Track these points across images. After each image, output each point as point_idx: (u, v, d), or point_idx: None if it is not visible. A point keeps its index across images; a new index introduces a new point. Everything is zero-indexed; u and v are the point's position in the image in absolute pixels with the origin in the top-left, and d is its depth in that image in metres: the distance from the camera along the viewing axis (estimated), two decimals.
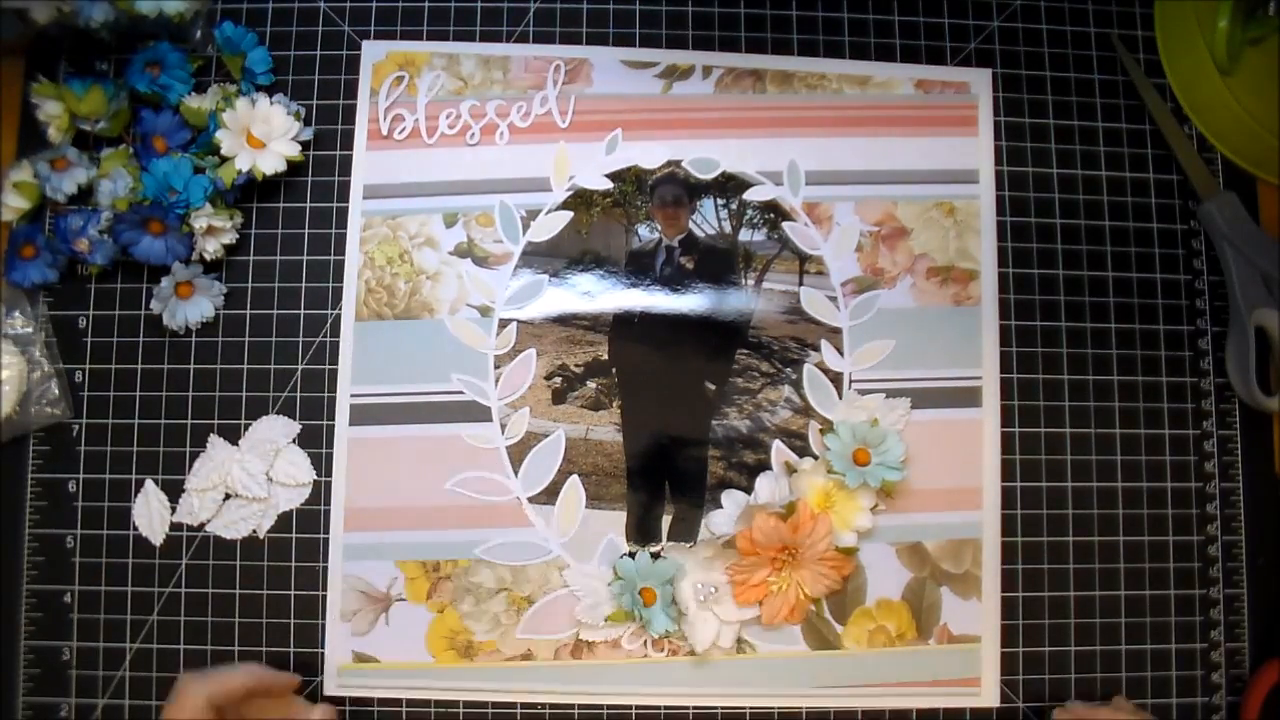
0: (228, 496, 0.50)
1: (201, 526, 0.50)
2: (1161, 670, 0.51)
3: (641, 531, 0.50)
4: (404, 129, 0.52)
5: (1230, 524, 0.52)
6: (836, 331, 0.51)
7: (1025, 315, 0.52)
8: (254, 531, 0.50)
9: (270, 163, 0.49)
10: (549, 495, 0.50)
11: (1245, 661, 0.51)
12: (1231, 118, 0.52)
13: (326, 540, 0.50)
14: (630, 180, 0.52)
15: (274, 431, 0.50)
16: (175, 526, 0.50)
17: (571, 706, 0.49)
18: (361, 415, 0.50)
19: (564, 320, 0.51)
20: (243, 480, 0.49)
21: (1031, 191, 0.53)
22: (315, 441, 0.50)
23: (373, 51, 0.52)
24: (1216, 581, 0.51)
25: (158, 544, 0.50)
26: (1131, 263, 0.53)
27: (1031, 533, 0.51)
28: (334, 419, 0.50)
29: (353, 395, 0.50)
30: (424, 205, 0.51)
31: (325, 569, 0.49)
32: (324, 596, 0.49)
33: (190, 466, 0.50)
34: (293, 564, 0.50)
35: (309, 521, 0.50)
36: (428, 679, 0.49)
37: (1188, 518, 0.52)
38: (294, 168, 0.50)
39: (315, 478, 0.50)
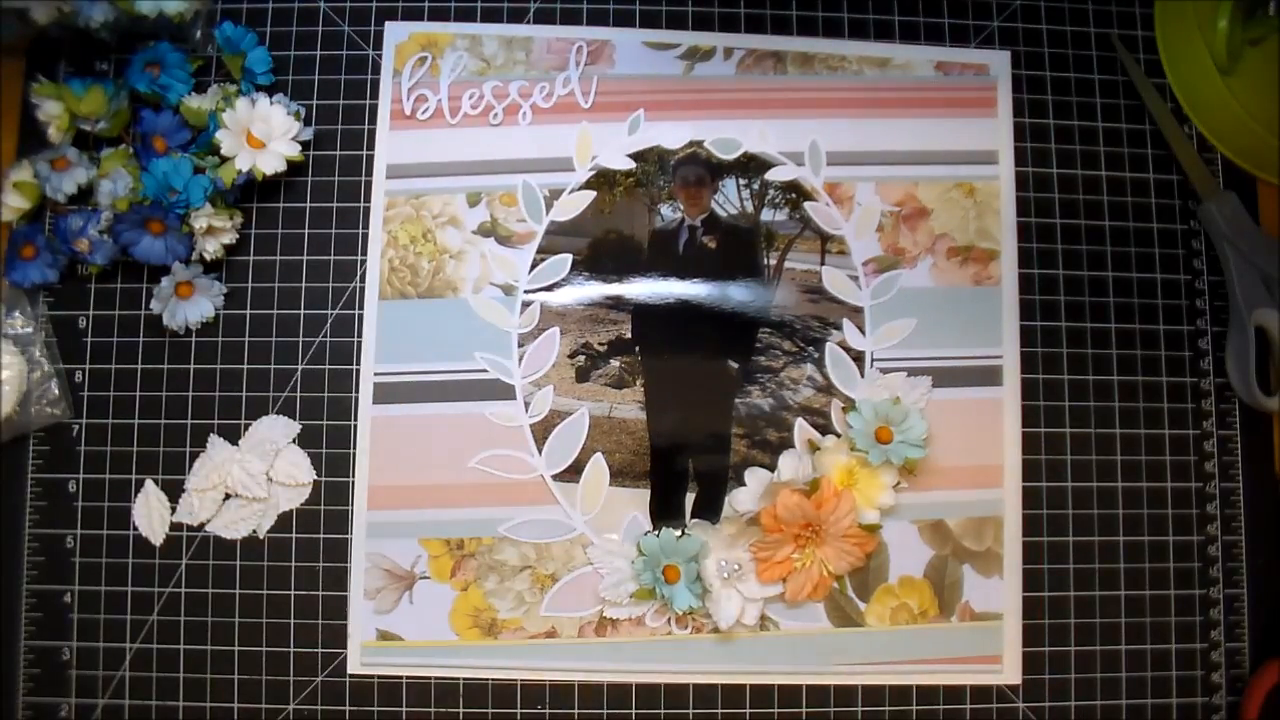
0: (228, 496, 0.50)
1: (201, 526, 0.50)
2: (1161, 670, 0.51)
3: (665, 509, 0.50)
4: (427, 109, 0.52)
5: (1230, 524, 0.52)
6: (858, 310, 0.52)
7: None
8: (254, 531, 0.50)
9: (270, 163, 0.49)
10: (573, 473, 0.50)
11: (1245, 661, 0.51)
12: (1231, 118, 0.52)
13: (324, 538, 0.50)
14: (653, 160, 0.52)
15: (274, 432, 0.50)
16: (175, 526, 0.50)
17: (600, 685, 0.49)
18: (385, 394, 0.50)
19: (587, 299, 0.51)
20: (243, 480, 0.49)
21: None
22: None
23: (396, 32, 0.53)
24: (1216, 581, 0.51)
25: (158, 544, 0.50)
26: (1131, 263, 0.53)
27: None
28: (357, 395, 0.50)
29: (376, 374, 0.50)
30: (447, 185, 0.52)
31: (349, 544, 0.50)
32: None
33: (190, 466, 0.50)
34: (292, 564, 0.50)
35: (309, 521, 0.50)
36: (451, 657, 0.49)
37: (1188, 518, 0.52)
38: (294, 167, 0.50)
39: (315, 478, 0.50)
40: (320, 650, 0.49)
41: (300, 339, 0.51)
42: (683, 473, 0.50)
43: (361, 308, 0.51)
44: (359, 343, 0.51)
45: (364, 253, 0.51)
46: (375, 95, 0.52)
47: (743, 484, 0.50)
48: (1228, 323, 0.52)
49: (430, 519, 0.50)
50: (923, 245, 0.52)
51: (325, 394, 0.51)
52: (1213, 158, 0.54)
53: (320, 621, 0.49)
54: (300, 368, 0.51)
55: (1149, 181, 0.54)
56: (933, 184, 0.53)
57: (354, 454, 0.50)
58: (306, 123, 0.52)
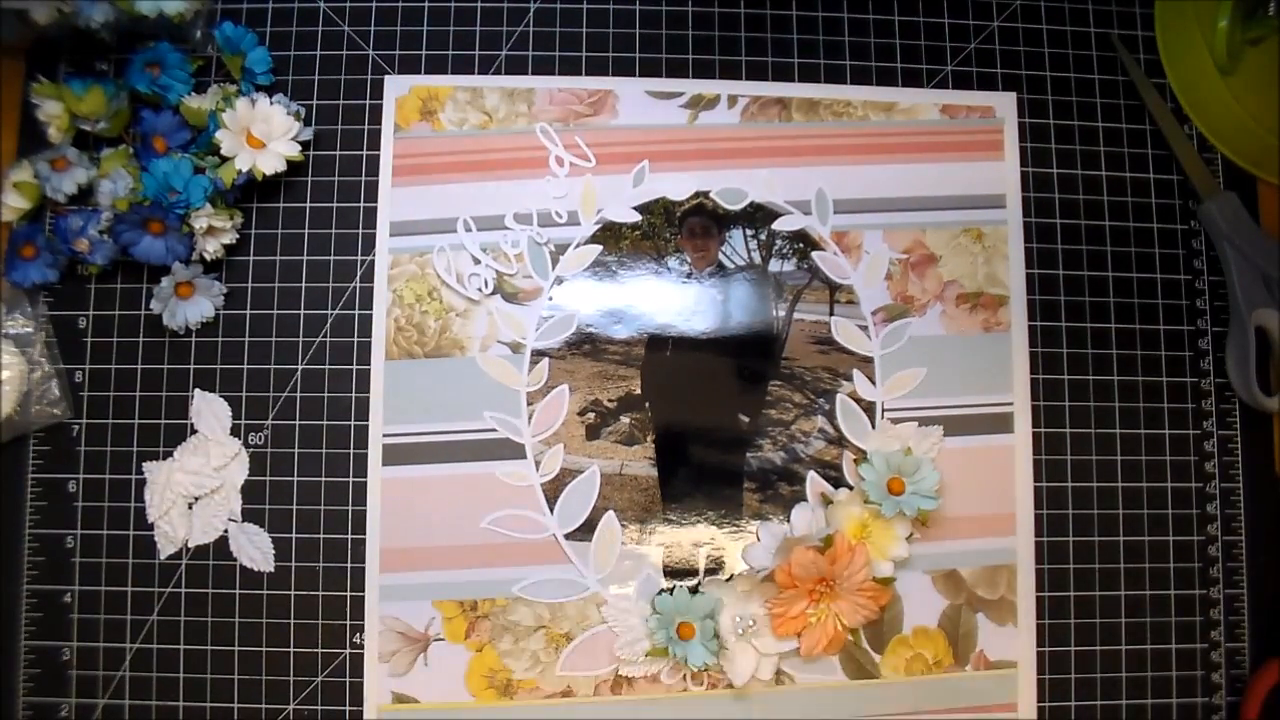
0: (190, 506, 0.50)
1: (186, 543, 0.50)
2: (1161, 670, 0.51)
3: (678, 566, 0.50)
4: (430, 164, 0.52)
5: (1230, 524, 0.52)
6: (868, 360, 0.51)
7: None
8: (230, 519, 0.49)
9: (270, 163, 0.49)
10: (585, 531, 0.50)
11: (1245, 661, 0.51)
12: (1231, 118, 0.52)
13: (323, 537, 0.50)
14: (658, 212, 0.52)
15: (203, 428, 0.50)
16: (174, 555, 0.50)
17: None
18: (394, 455, 0.50)
19: (595, 355, 0.51)
20: (190, 482, 0.49)
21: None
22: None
23: (396, 86, 0.52)
24: (1216, 581, 0.51)
25: (176, 550, 0.50)
26: (1131, 263, 0.53)
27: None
28: (366, 457, 0.50)
29: (385, 435, 0.50)
30: (452, 241, 0.51)
31: (362, 606, 0.49)
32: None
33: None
34: (293, 564, 0.50)
35: (309, 520, 0.50)
36: (468, 718, 0.49)
37: (1188, 518, 0.52)
38: (294, 167, 0.50)
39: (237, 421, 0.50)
40: (320, 650, 0.49)
41: (300, 339, 0.51)
42: (695, 529, 0.50)
43: (364, 307, 0.51)
44: (358, 398, 0.50)
45: (364, 299, 0.51)
46: (377, 95, 0.52)
47: (756, 539, 0.50)
48: (1228, 323, 0.52)
49: (443, 580, 0.49)
50: (932, 292, 0.52)
51: (325, 394, 0.51)
52: (1213, 158, 0.54)
53: (320, 622, 0.49)
54: (300, 368, 0.51)
55: (1149, 181, 0.54)
56: (941, 230, 0.52)
57: (362, 507, 0.50)
58: (306, 123, 0.52)
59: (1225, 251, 0.52)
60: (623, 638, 0.49)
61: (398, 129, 0.52)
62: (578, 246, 0.52)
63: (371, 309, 0.51)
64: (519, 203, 0.51)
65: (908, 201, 0.52)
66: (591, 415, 0.51)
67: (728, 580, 0.50)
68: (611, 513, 0.50)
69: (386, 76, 0.52)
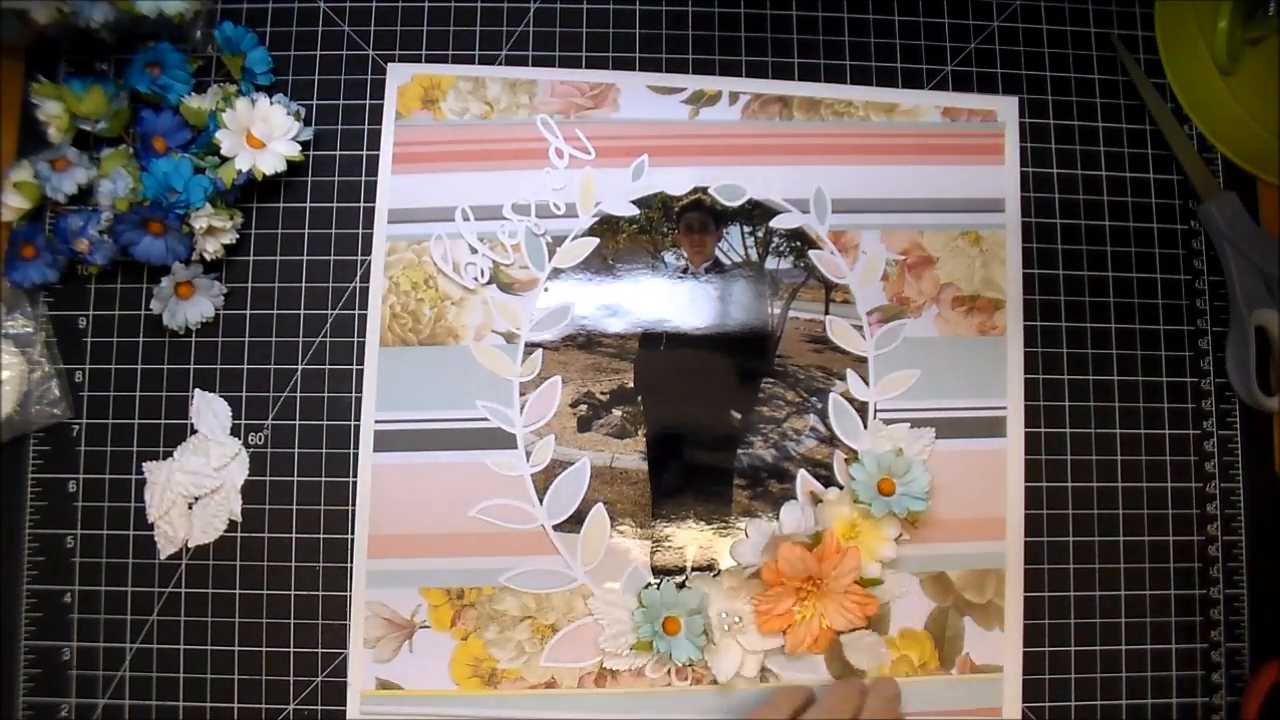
0: (190, 506, 0.50)
1: (186, 543, 0.50)
2: (1161, 670, 0.51)
3: (666, 560, 0.50)
4: (430, 152, 0.52)
5: (1230, 524, 0.52)
6: (862, 360, 0.51)
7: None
8: (231, 518, 0.49)
9: (270, 163, 0.49)
10: (574, 523, 0.50)
11: (1245, 661, 0.51)
12: (1231, 118, 0.52)
13: (324, 537, 0.50)
14: (657, 207, 0.52)
15: (203, 428, 0.50)
16: (174, 555, 0.50)
17: None
18: (385, 442, 0.50)
19: (589, 347, 0.51)
20: (191, 481, 0.49)
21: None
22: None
23: (398, 74, 0.52)
24: (1216, 581, 0.51)
25: (176, 550, 0.50)
26: (1131, 263, 0.53)
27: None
28: (358, 446, 0.50)
29: (377, 421, 0.50)
30: (449, 230, 0.51)
31: (349, 596, 0.49)
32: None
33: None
34: (293, 564, 0.50)
35: (309, 521, 0.50)
36: (451, 706, 0.49)
37: (1188, 518, 0.52)
38: (294, 167, 0.50)
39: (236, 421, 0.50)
40: (320, 650, 0.49)
41: (300, 339, 0.51)
42: (684, 523, 0.50)
43: (364, 307, 0.51)
44: (358, 398, 0.50)
45: (364, 299, 0.51)
46: (378, 91, 0.52)
47: (745, 535, 0.50)
48: (1228, 323, 0.52)
49: (430, 568, 0.49)
50: (928, 294, 0.52)
51: (325, 394, 0.51)
52: (1213, 158, 0.54)
53: (320, 621, 0.49)
54: (300, 368, 0.51)
55: (1149, 181, 0.54)
56: (938, 232, 0.52)
57: (352, 510, 0.50)
58: (307, 123, 0.52)
59: (1225, 251, 0.52)
60: (608, 630, 0.49)
61: (399, 116, 0.52)
62: (575, 239, 0.52)
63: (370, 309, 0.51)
64: (517, 193, 0.52)
65: (906, 203, 0.52)
66: (584, 407, 0.51)
67: (715, 576, 0.50)
68: (601, 505, 0.50)
69: (389, 64, 0.52)
